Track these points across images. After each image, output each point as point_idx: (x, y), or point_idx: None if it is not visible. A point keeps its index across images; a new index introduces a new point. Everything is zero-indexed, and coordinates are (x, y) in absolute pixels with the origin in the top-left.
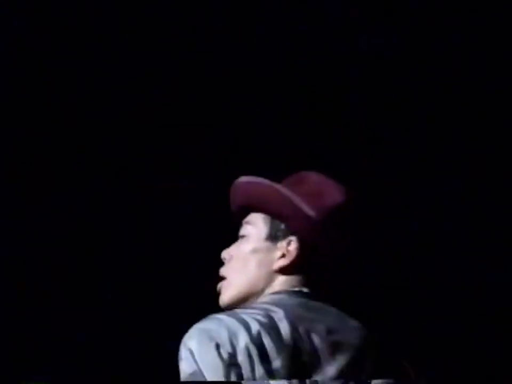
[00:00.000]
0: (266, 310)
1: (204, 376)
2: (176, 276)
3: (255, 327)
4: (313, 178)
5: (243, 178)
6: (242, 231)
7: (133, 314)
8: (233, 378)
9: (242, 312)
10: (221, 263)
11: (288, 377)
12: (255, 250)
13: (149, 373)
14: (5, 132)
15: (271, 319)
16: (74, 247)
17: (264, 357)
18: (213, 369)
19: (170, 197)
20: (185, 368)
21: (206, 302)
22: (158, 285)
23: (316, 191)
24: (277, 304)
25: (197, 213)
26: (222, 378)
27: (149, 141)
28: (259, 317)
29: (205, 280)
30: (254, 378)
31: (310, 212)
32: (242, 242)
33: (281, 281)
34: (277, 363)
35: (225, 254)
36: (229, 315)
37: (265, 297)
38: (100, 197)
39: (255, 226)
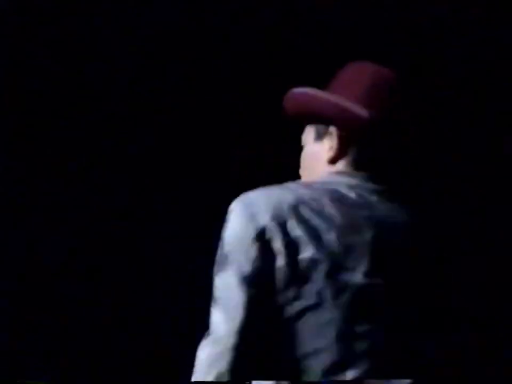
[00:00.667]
0: (318, 189)
1: (223, 245)
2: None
3: (303, 206)
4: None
5: (291, 91)
6: (302, 142)
7: (134, 314)
8: (254, 253)
9: (298, 188)
10: None
11: (315, 266)
12: (309, 152)
13: (150, 373)
14: None
15: (319, 201)
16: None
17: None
18: (237, 240)
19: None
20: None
21: None
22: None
23: (369, 88)
24: (327, 183)
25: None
26: (241, 250)
27: None
28: (307, 196)
29: None
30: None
31: (359, 111)
32: (303, 150)
33: (332, 168)
34: (310, 250)
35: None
36: (282, 189)
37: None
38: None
39: (307, 134)
